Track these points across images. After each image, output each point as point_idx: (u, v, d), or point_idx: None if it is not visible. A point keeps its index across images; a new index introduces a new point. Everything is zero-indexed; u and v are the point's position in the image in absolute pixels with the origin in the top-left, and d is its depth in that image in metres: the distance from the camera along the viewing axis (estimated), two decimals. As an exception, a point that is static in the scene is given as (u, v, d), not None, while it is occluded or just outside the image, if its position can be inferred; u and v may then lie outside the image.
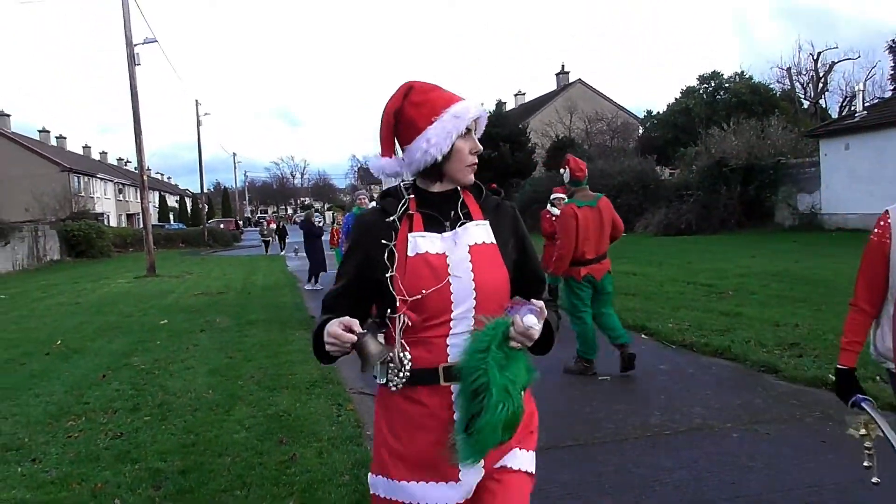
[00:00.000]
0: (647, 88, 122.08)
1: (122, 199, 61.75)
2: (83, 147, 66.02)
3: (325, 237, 16.50)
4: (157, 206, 67.72)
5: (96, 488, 4.08)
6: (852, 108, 28.73)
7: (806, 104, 43.92)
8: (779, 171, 25.05)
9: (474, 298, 1.72)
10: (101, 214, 49.24)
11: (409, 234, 1.76)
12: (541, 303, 1.67)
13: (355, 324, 1.64)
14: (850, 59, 47.35)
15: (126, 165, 73.57)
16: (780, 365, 6.06)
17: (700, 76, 40.91)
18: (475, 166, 1.82)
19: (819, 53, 44.03)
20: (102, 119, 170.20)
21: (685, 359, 6.76)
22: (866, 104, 26.66)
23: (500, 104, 43.65)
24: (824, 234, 20.36)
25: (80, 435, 5.16)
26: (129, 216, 61.14)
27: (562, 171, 6.54)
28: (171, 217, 70.67)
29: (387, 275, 1.73)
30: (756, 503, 3.55)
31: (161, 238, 39.12)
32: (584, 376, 6.28)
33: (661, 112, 42.86)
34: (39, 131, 56.33)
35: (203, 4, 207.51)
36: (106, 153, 72.51)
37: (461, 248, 1.74)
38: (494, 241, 1.79)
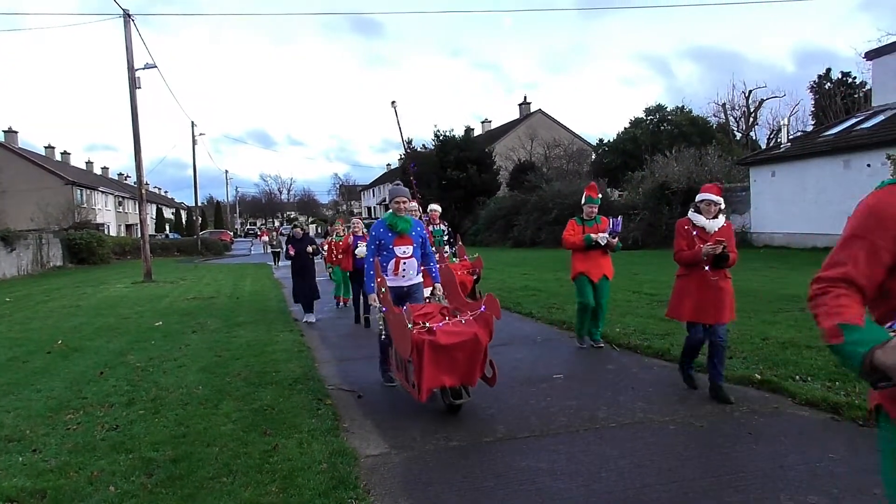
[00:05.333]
0: (599, 119, 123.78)
1: (121, 210, 60.66)
2: (86, 162, 64.91)
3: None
4: (154, 217, 66.66)
5: (92, 476, 4.00)
6: (778, 140, 29.45)
7: (738, 136, 44.90)
8: (714, 195, 25.55)
9: None
10: (102, 225, 48.33)
11: None
12: None
13: None
14: (776, 96, 48.90)
15: (126, 180, 72.41)
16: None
17: (646, 109, 41.74)
18: None
19: (750, 91, 45.20)
20: (104, 136, 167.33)
21: (630, 360, 6.82)
22: (790, 137, 27.34)
23: (468, 130, 43.79)
24: (754, 250, 20.78)
25: (78, 427, 5.05)
26: (129, 226, 60.07)
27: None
28: (167, 228, 69.62)
29: None
30: (690, 487, 3.60)
31: (157, 247, 38.48)
32: (539, 376, 6.30)
33: (611, 140, 43.48)
34: (45, 147, 55.19)
35: (201, 35, 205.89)
36: (107, 168, 71.38)
37: None
38: None
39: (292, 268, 10.97)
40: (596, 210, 7.26)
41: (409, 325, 4.88)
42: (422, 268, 6.09)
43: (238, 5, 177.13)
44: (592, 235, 7.09)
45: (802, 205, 21.05)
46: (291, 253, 10.68)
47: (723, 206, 5.40)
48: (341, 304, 12.30)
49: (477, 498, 3.59)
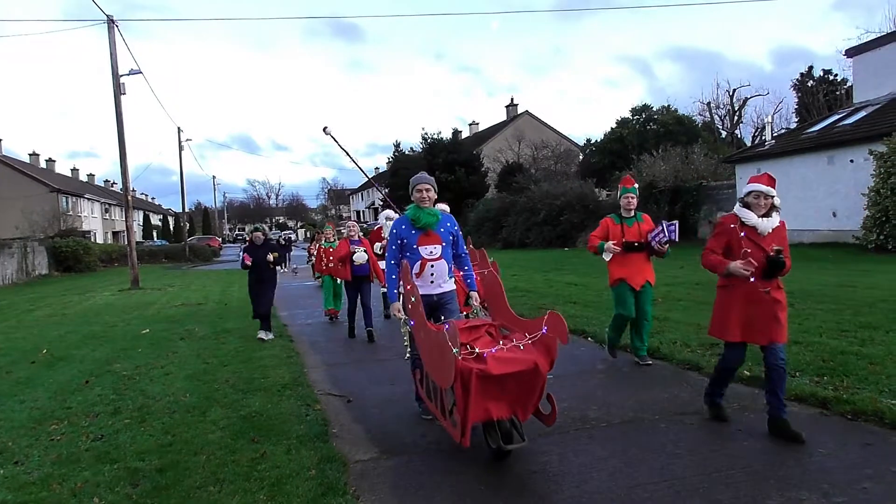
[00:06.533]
0: (586, 119, 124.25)
1: (108, 217, 60.22)
2: (71, 170, 64.43)
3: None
4: (141, 224, 66.26)
5: (76, 488, 3.92)
6: (763, 137, 29.60)
7: (724, 134, 45.20)
8: (701, 193, 25.72)
9: None
10: (88, 232, 47.91)
11: None
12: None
13: None
14: (760, 95, 49.46)
15: (112, 187, 71.91)
16: (703, 363, 6.16)
17: (632, 108, 41.88)
18: None
19: (734, 90, 45.56)
20: (88, 143, 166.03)
21: (620, 359, 6.81)
22: (774, 134, 27.54)
23: (455, 133, 43.79)
24: (740, 247, 20.93)
25: (62, 438, 4.96)
26: (115, 233, 59.63)
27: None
28: (155, 234, 69.21)
29: None
30: (681, 485, 3.58)
31: (145, 254, 38.23)
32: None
33: (599, 140, 43.60)
34: (30, 154, 54.70)
35: (182, 40, 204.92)
36: (93, 175, 70.84)
37: None
38: None
39: (248, 279, 9.36)
40: (635, 201, 6.46)
41: (455, 350, 3.74)
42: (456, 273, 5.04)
43: (220, 10, 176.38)
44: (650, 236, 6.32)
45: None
46: (248, 263, 9.02)
47: (777, 202, 4.43)
48: (334, 318, 11.02)
49: (467, 502, 3.56)
